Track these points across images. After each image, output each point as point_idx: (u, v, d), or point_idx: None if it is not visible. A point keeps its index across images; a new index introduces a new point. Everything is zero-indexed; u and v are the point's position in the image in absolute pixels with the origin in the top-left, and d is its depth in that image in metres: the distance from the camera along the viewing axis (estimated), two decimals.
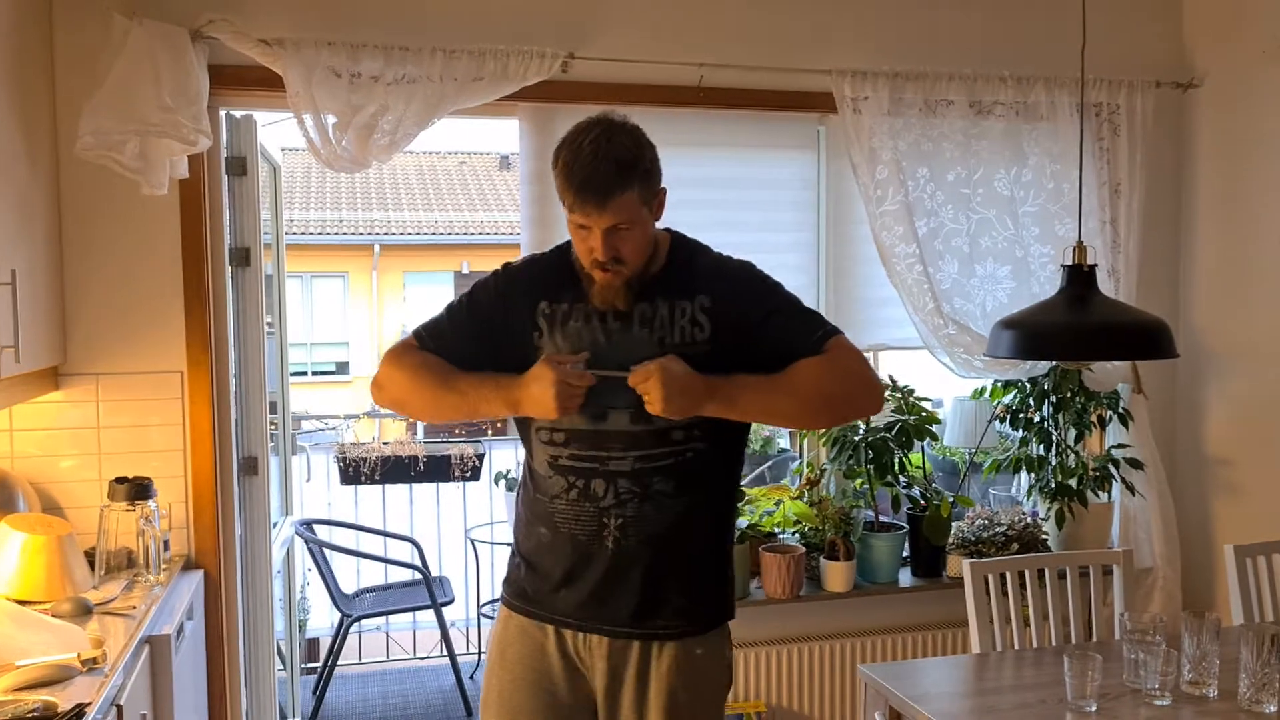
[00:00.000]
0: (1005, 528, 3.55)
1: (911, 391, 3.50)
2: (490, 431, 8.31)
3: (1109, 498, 3.66)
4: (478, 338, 2.01)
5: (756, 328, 1.94)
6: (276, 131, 3.70)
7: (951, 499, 3.52)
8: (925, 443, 3.50)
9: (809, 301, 3.45)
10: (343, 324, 17.93)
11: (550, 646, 2.01)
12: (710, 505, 2.02)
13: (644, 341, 1.92)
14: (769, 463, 7.06)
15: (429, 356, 2.00)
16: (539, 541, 2.02)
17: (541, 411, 1.89)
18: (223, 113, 3.08)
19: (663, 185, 1.94)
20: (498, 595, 2.20)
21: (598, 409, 1.92)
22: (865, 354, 2.07)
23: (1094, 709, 2.17)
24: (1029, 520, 3.61)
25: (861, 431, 3.41)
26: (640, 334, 1.93)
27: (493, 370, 1.97)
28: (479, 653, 5.05)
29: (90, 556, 2.72)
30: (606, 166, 1.82)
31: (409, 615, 5.16)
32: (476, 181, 18.91)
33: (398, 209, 17.61)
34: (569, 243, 1.98)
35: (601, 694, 2.00)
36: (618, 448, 1.93)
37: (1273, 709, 2.15)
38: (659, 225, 2.02)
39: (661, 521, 1.94)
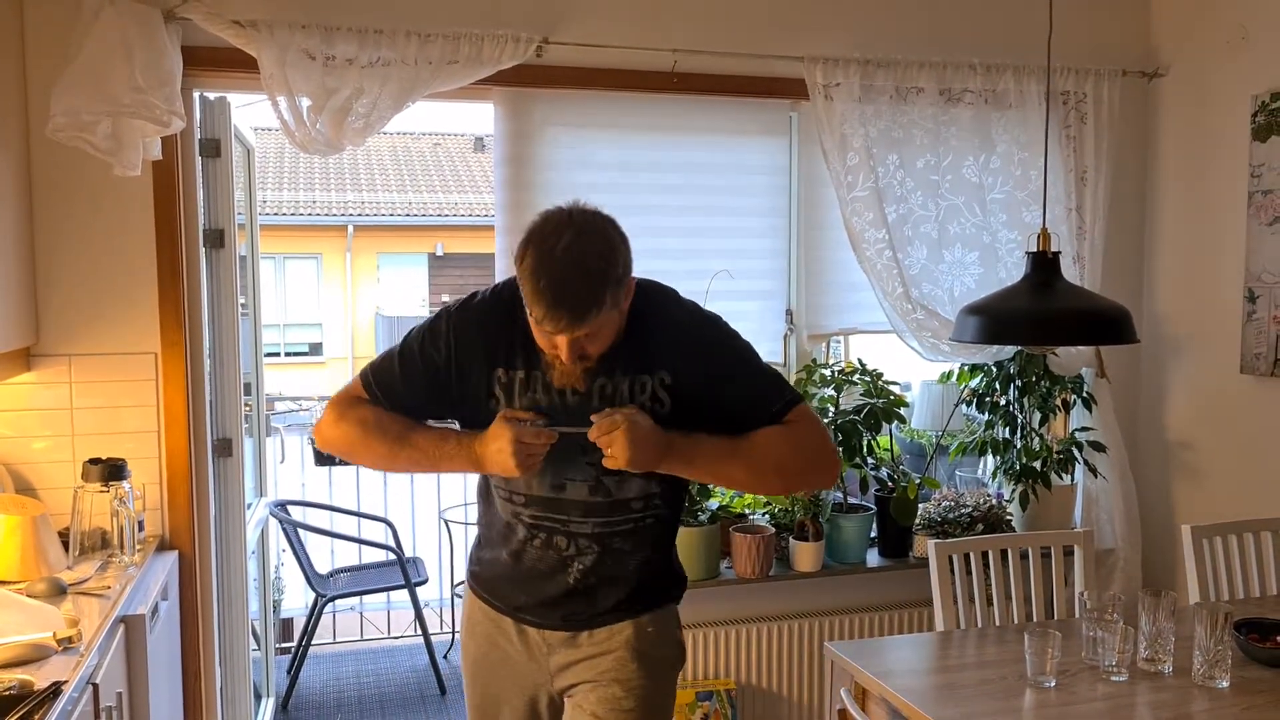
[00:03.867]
0: (970, 509, 3.61)
1: (880, 375, 3.55)
2: None
3: (1072, 480, 3.72)
4: (430, 394, 1.96)
5: (718, 396, 1.91)
6: (250, 111, 3.68)
7: (918, 481, 3.58)
8: (893, 425, 3.54)
9: (780, 286, 3.52)
10: (316, 305, 17.83)
11: (509, 628, 2.08)
12: (664, 545, 2.09)
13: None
14: None
15: (380, 413, 1.95)
16: (502, 564, 2.06)
17: (501, 470, 1.86)
18: (196, 94, 3.07)
19: (632, 278, 1.84)
20: None
21: (557, 481, 1.94)
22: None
23: (1053, 685, 2.23)
24: (994, 502, 3.67)
25: (831, 414, 3.46)
26: (599, 409, 1.86)
27: (444, 419, 1.98)
28: (453, 632, 5.08)
29: (64, 537, 2.72)
30: (580, 283, 1.71)
31: (383, 595, 5.18)
32: (451, 163, 18.81)
33: (371, 190, 17.50)
34: (516, 289, 1.81)
35: (561, 666, 2.06)
36: (577, 514, 1.96)
37: (1225, 684, 2.22)
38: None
39: (621, 566, 2.00)
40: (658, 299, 1.95)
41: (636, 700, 2.02)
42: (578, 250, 1.72)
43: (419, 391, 1.95)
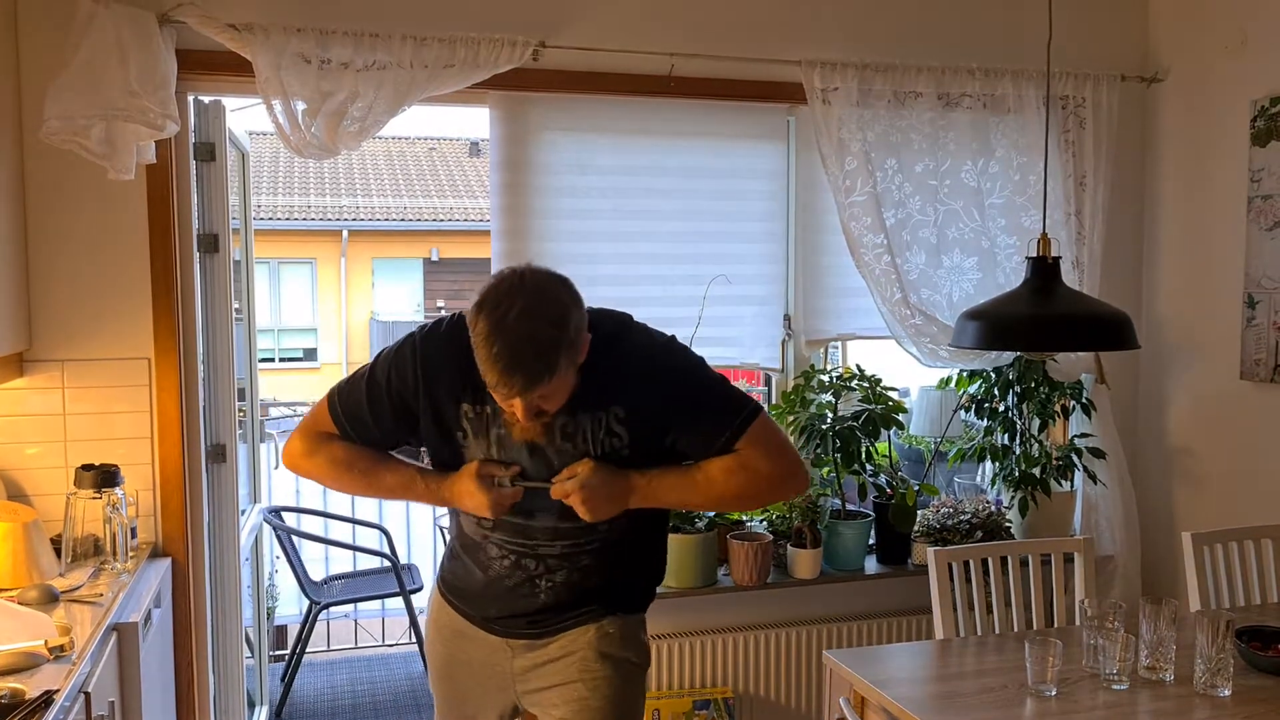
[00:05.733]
0: (969, 515, 3.60)
1: (879, 381, 3.53)
2: None
3: (1071, 486, 3.71)
4: (397, 423, 2.00)
5: (672, 427, 1.95)
6: (245, 115, 3.67)
7: (917, 487, 3.56)
8: (892, 431, 3.53)
9: (778, 291, 3.51)
10: (311, 310, 17.80)
11: (476, 633, 2.14)
12: (636, 557, 2.13)
13: (567, 454, 1.94)
14: None
15: (349, 450, 2.02)
16: (473, 578, 2.11)
17: (475, 513, 1.98)
18: (191, 98, 3.05)
19: (586, 334, 1.84)
20: None
21: (525, 509, 1.99)
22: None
23: (1054, 693, 2.21)
24: (993, 508, 3.66)
25: (829, 420, 3.44)
26: (564, 447, 1.94)
27: (413, 437, 2.04)
28: None
29: (56, 544, 2.70)
30: (532, 351, 1.72)
31: (377, 602, 5.15)
32: (446, 167, 18.81)
33: (367, 195, 17.49)
34: None
35: (525, 669, 2.12)
36: (545, 538, 2.02)
37: (1227, 693, 2.20)
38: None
39: (590, 581, 2.06)
40: (610, 336, 1.93)
41: (602, 699, 2.06)
42: (529, 318, 1.73)
43: (386, 422, 2.00)
